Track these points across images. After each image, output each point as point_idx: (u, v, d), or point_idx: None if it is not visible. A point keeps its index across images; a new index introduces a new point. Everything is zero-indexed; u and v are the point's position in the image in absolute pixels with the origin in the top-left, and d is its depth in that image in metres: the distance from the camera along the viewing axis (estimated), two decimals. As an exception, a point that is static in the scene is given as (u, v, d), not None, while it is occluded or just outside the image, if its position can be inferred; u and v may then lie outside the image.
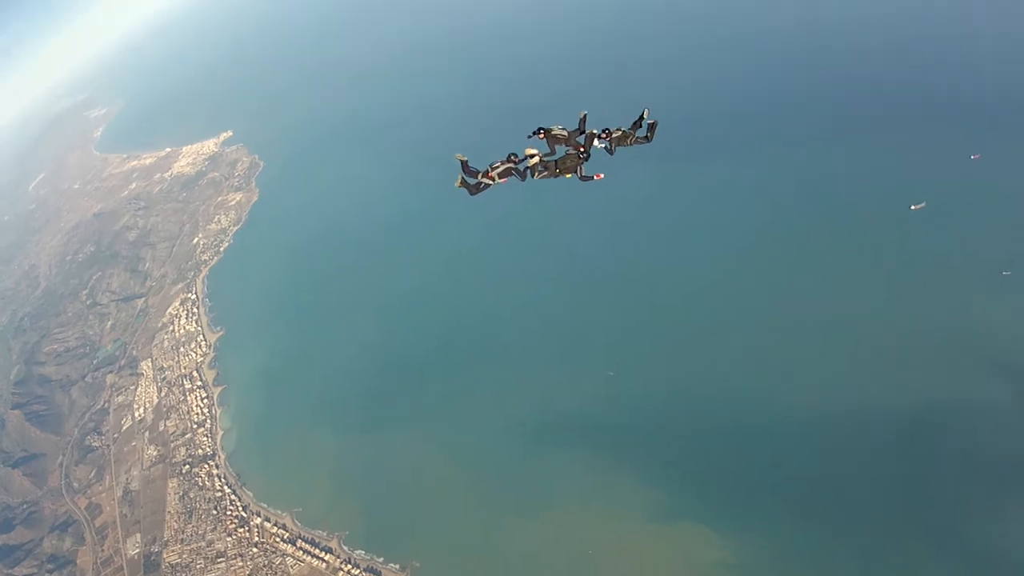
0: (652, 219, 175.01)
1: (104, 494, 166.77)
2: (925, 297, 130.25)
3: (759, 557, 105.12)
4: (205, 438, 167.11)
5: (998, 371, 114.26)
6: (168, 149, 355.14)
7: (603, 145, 34.39)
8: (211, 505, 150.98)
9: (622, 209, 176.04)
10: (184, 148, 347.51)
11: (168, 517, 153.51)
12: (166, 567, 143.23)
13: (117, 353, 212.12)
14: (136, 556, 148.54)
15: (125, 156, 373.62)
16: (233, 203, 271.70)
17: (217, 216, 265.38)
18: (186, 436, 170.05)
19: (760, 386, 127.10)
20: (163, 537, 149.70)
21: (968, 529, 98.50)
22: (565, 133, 34.13)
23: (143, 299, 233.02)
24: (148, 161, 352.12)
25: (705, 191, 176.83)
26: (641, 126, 34.40)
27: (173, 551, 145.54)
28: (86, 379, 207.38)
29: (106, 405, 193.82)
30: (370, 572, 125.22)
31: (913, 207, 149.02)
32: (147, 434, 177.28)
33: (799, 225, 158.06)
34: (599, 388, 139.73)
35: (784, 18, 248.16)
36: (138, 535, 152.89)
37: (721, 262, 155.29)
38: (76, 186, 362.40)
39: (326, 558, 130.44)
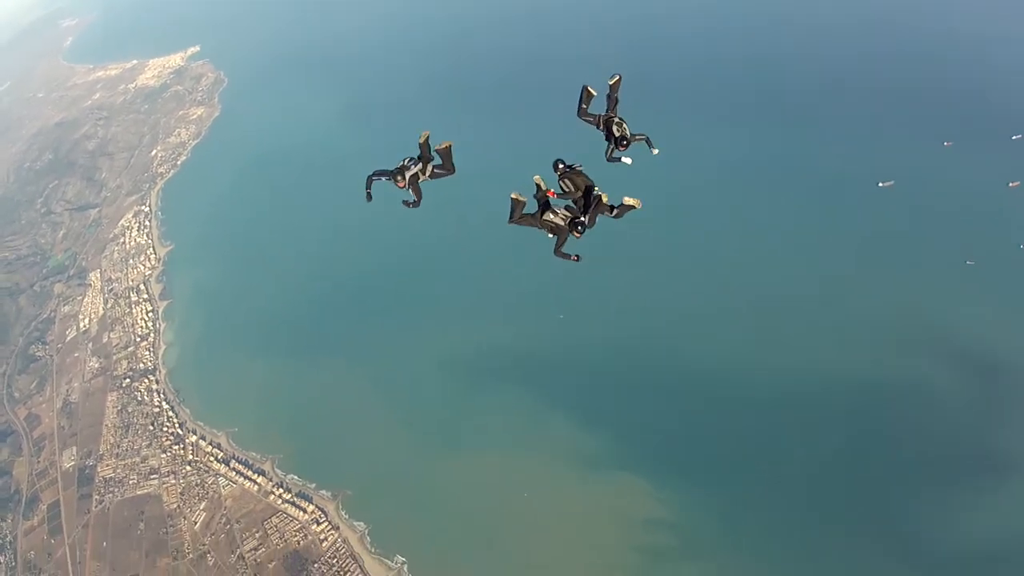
0: (623, 174, 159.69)
1: (44, 405, 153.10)
2: (885, 276, 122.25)
3: (693, 518, 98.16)
4: (147, 352, 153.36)
5: (951, 359, 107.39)
6: (135, 61, 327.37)
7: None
8: (148, 421, 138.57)
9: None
10: (151, 61, 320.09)
11: (105, 431, 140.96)
12: (99, 481, 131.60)
13: (67, 263, 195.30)
14: (71, 469, 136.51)
15: (92, 67, 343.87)
16: (194, 117, 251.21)
17: (177, 129, 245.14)
18: (128, 349, 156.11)
19: (708, 348, 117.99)
20: (98, 451, 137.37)
21: (901, 512, 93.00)
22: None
23: (97, 210, 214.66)
24: (114, 72, 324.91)
25: (676, 156, 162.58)
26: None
27: (107, 465, 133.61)
28: (34, 288, 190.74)
29: (52, 315, 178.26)
30: (301, 497, 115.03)
31: (881, 184, 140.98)
32: (90, 345, 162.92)
33: (760, 191, 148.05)
34: (546, 331, 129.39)
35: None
36: (74, 448, 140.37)
37: (683, 223, 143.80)
38: (40, 95, 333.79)
39: (258, 480, 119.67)
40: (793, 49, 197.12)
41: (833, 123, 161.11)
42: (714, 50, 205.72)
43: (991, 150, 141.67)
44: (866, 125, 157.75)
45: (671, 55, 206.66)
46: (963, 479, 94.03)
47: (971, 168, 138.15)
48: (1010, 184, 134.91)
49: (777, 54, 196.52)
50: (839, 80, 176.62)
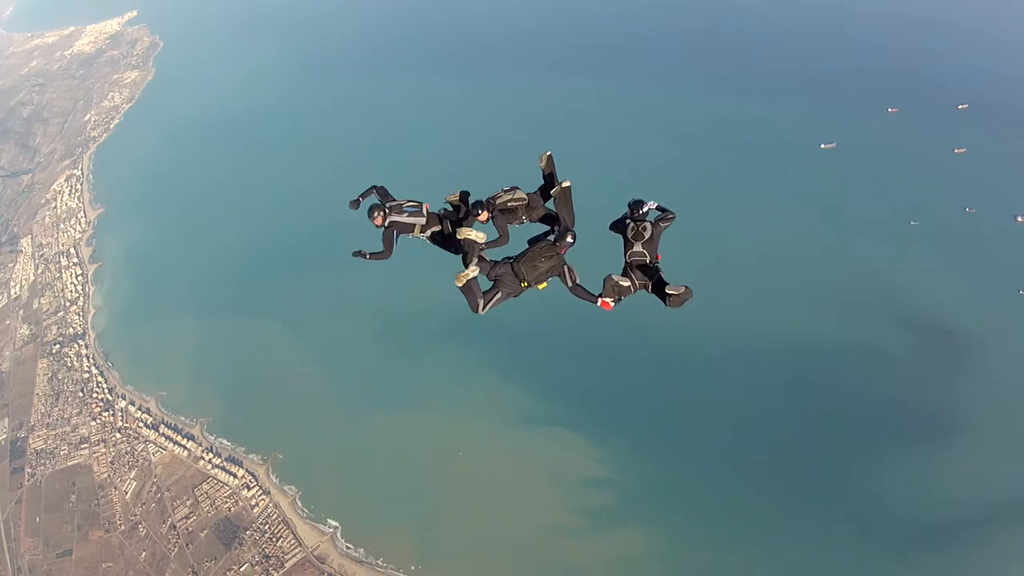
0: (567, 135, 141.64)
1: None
2: (827, 236, 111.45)
3: (631, 476, 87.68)
4: (77, 316, 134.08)
5: (892, 320, 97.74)
6: (72, 28, 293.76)
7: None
8: (78, 387, 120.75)
9: (532, 128, 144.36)
10: (88, 27, 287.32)
11: (36, 400, 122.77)
12: (31, 453, 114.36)
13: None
14: (3, 442, 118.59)
15: (30, 35, 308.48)
16: (128, 81, 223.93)
17: (111, 94, 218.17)
18: (59, 315, 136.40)
19: (646, 307, 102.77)
20: (30, 422, 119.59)
21: (842, 473, 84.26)
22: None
23: (30, 175, 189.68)
24: (51, 39, 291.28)
25: (614, 119, 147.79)
26: None
27: (39, 436, 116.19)
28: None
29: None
30: (231, 462, 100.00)
31: (823, 146, 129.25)
32: (21, 312, 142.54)
33: (697, 150, 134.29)
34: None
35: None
36: (6, 419, 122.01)
37: (621, 183, 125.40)
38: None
39: (188, 445, 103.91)
40: (733, 13, 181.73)
41: (773, 86, 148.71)
42: (651, 14, 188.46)
43: (937, 117, 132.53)
44: (807, 89, 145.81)
45: (611, 18, 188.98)
46: (910, 439, 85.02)
47: (916, 134, 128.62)
48: (956, 150, 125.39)
49: (717, 18, 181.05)
50: (778, 43, 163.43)
